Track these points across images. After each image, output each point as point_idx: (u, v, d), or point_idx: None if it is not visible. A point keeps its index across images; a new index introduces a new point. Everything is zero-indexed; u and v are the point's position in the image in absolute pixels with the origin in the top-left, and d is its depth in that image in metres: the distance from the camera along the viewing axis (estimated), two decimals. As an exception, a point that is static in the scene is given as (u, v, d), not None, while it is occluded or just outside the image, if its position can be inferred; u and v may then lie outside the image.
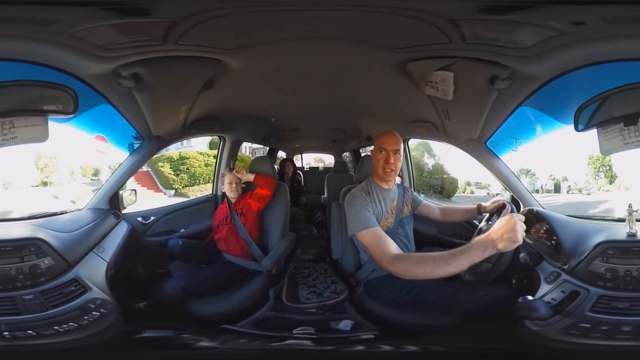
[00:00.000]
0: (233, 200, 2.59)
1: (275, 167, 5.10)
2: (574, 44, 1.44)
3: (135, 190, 2.63)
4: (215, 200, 3.06)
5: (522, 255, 1.71)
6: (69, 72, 1.70)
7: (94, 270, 1.81)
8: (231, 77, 1.98)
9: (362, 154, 4.56)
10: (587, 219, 2.00)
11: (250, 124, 3.23)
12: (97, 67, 1.69)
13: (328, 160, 7.36)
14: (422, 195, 2.45)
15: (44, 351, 1.53)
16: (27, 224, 1.85)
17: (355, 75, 2.16)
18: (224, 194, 2.67)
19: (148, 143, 2.52)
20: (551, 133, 2.29)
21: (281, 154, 6.06)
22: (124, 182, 2.52)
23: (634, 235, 1.57)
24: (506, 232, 1.29)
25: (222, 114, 2.72)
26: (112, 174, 2.54)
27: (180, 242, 2.40)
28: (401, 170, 2.89)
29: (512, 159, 2.44)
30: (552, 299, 1.55)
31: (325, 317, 2.11)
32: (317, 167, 7.07)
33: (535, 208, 2.17)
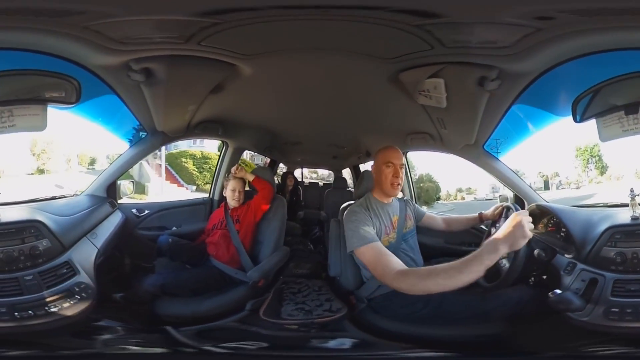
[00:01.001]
0: (231, 207, 2.60)
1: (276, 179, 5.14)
2: (556, 38, 1.48)
3: (134, 181, 2.70)
4: (211, 204, 3.10)
5: (536, 251, 1.74)
6: (75, 62, 1.75)
7: (85, 255, 1.87)
8: (241, 83, 2.05)
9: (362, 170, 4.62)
10: (591, 207, 2.07)
11: (254, 133, 3.28)
12: (107, 59, 1.74)
13: (321, 172, 7.43)
14: (425, 208, 2.47)
15: (30, 332, 1.59)
16: (27, 207, 1.93)
17: (353, 90, 2.24)
18: (220, 199, 2.69)
19: (151, 137, 2.60)
20: (548, 127, 2.37)
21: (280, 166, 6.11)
22: (123, 172, 2.60)
23: (638, 218, 1.64)
24: (514, 229, 1.29)
25: (228, 119, 2.78)
26: (112, 163, 2.63)
27: (170, 239, 2.42)
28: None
29: (511, 158, 2.52)
30: (577, 289, 1.59)
31: (309, 335, 2.08)
32: (317, 183, 7.12)
33: (540, 203, 2.21)
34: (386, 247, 1.79)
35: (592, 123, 1.84)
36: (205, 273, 2.35)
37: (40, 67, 1.75)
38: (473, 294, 1.51)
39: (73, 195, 2.35)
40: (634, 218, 1.64)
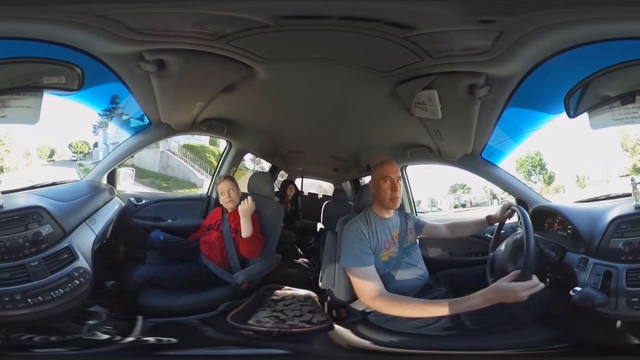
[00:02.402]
0: (229, 209, 2.53)
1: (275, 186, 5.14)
2: (527, 37, 1.51)
3: (133, 170, 2.72)
4: (207, 201, 3.11)
5: (546, 252, 1.78)
6: (82, 49, 1.76)
7: (84, 241, 1.89)
8: (253, 86, 2.08)
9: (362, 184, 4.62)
10: (593, 201, 2.12)
11: (259, 137, 3.29)
12: (119, 48, 1.75)
13: (320, 184, 7.46)
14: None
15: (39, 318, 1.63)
16: (28, 193, 1.95)
17: (356, 103, 2.30)
18: (218, 198, 2.62)
19: (154, 128, 2.63)
20: (544, 127, 2.38)
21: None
22: (123, 160, 2.64)
23: None
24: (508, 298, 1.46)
25: (234, 120, 2.80)
26: (113, 150, 2.66)
27: (161, 236, 2.43)
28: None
29: (509, 163, 2.56)
30: (594, 283, 1.60)
31: (266, 344, 2.04)
32: (316, 194, 7.13)
33: (544, 204, 2.28)
34: (387, 261, 1.92)
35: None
36: (193, 270, 2.35)
37: (41, 55, 1.75)
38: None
39: (73, 181, 2.36)
40: (637, 207, 1.65)
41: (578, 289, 1.58)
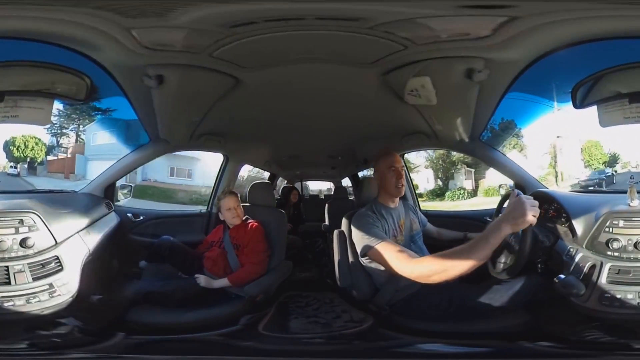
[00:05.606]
0: (232, 225, 2.51)
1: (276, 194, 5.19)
2: (542, 26, 1.50)
3: (132, 186, 2.76)
4: (208, 216, 3.15)
5: (539, 237, 1.79)
6: (94, 59, 1.79)
7: (74, 252, 1.89)
8: (243, 97, 2.13)
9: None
10: (592, 192, 2.14)
11: (254, 147, 3.35)
12: (129, 61, 1.79)
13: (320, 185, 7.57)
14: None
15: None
16: (24, 197, 2.01)
17: (345, 99, 2.29)
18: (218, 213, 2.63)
19: (153, 144, 2.69)
20: (548, 114, 2.44)
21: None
22: (123, 175, 2.71)
23: (635, 206, 1.69)
24: (514, 209, 1.45)
25: (229, 133, 2.85)
26: (112, 164, 2.70)
27: (173, 239, 2.47)
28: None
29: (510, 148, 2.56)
30: (578, 274, 1.64)
31: (339, 348, 2.05)
32: (317, 195, 7.21)
33: (541, 189, 2.27)
34: None
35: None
36: (197, 284, 2.30)
37: (52, 61, 1.81)
38: (489, 286, 1.62)
39: (71, 192, 2.41)
40: (631, 206, 1.69)
41: (562, 276, 1.62)
